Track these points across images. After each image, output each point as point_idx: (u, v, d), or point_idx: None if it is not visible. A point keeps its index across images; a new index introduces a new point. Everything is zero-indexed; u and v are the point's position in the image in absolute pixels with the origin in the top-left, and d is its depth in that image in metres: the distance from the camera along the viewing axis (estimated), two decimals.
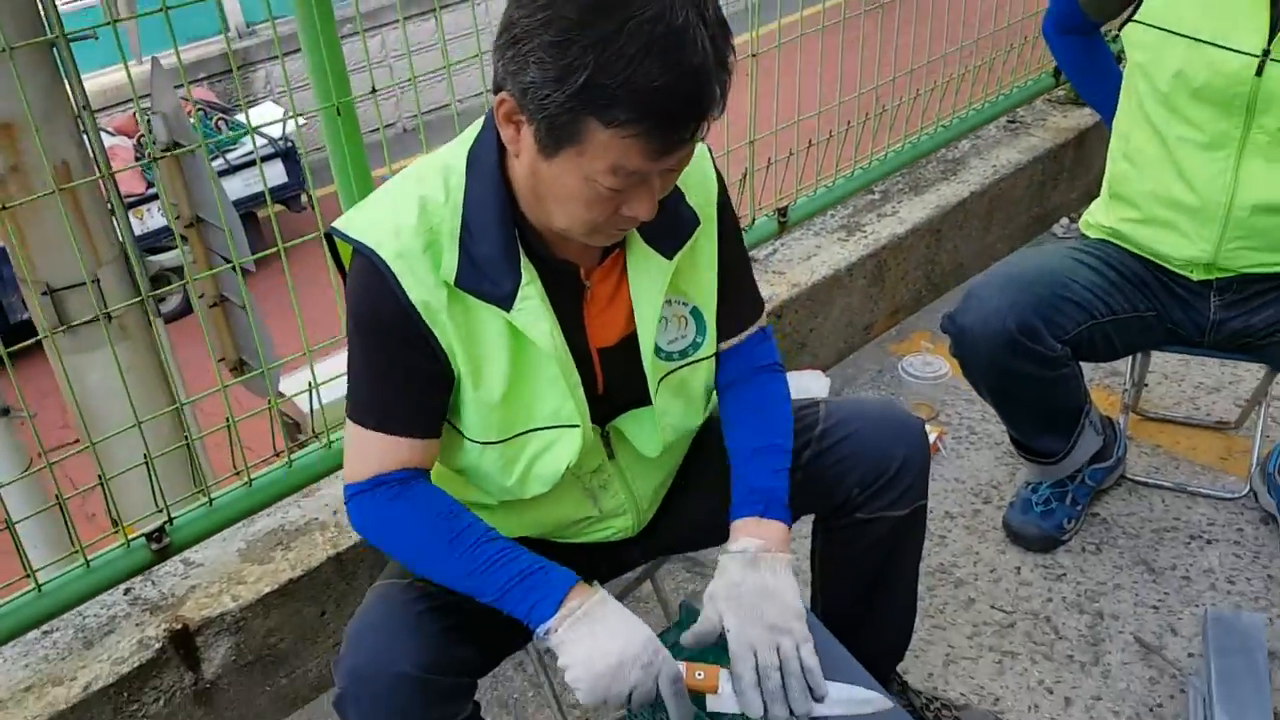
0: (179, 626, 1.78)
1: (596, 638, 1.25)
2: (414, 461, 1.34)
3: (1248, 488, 2.31)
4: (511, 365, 1.31)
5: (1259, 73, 1.80)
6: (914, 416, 1.57)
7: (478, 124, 1.32)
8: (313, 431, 2.08)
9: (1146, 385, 2.58)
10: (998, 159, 3.27)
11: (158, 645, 1.76)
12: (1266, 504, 2.23)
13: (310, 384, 1.96)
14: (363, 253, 1.26)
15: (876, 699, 1.32)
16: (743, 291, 1.52)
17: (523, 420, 1.35)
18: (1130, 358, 2.30)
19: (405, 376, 1.31)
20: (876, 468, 1.51)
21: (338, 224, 1.30)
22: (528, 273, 1.28)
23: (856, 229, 2.96)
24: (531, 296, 1.27)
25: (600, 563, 1.61)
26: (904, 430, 1.54)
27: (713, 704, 1.30)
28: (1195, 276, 1.99)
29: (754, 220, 2.69)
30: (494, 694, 2.00)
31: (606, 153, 1.13)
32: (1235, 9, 1.82)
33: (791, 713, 1.28)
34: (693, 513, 1.60)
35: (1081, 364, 2.06)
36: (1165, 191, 1.94)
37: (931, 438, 2.51)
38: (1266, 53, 1.80)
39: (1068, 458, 2.15)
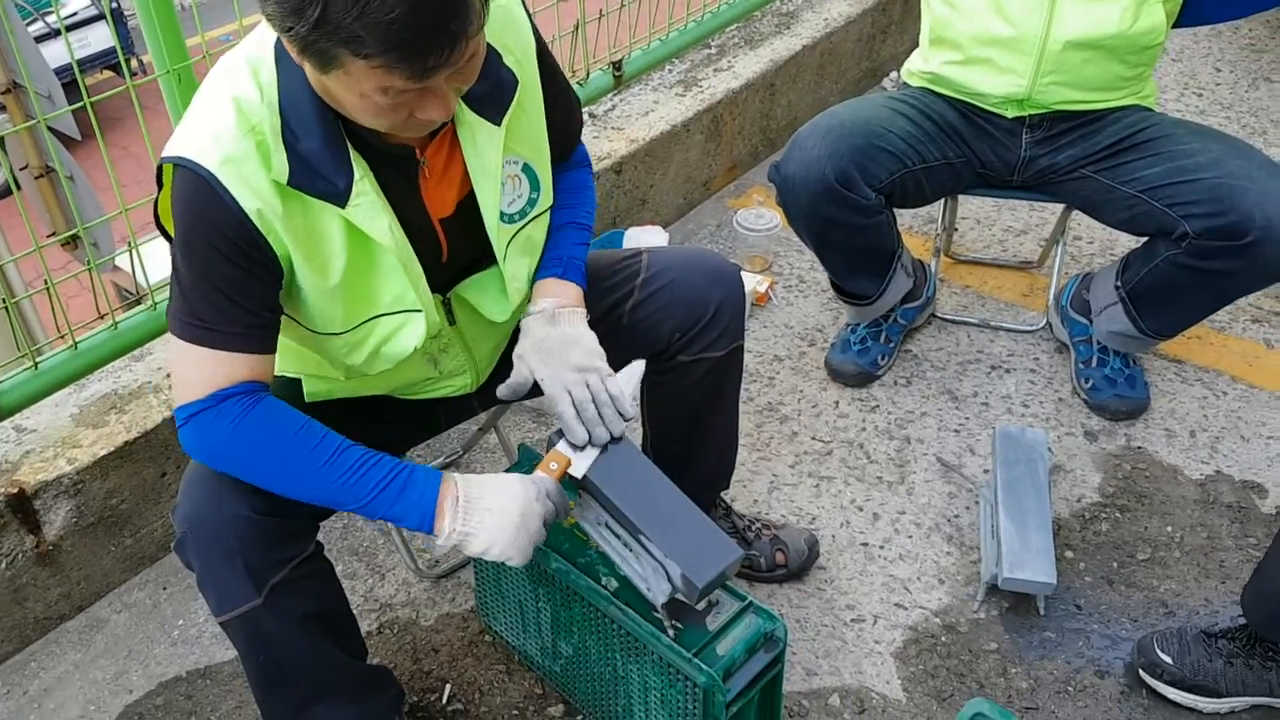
0: (14, 490, 1.77)
1: (491, 512, 1.31)
2: (253, 376, 1.29)
3: (1045, 320, 2.51)
4: (350, 258, 1.30)
5: None
6: (729, 263, 1.66)
7: None
8: (136, 293, 2.04)
9: (958, 230, 2.74)
10: (829, 12, 3.33)
11: None
12: (1060, 334, 2.44)
13: (130, 243, 1.92)
14: (185, 167, 1.19)
15: (639, 365, 1.48)
16: (566, 122, 1.54)
17: (366, 308, 1.35)
18: (941, 204, 2.44)
19: (241, 292, 1.26)
20: (694, 313, 1.60)
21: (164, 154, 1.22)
22: (359, 167, 1.25)
23: (693, 84, 3.00)
24: (367, 192, 1.26)
25: (439, 414, 1.68)
26: (719, 276, 1.62)
27: (576, 472, 1.41)
28: (1009, 114, 2.11)
29: (589, 74, 2.70)
30: (345, 543, 2.06)
31: (369, 78, 1.08)
32: None
33: (609, 433, 1.41)
34: None
35: (896, 211, 2.19)
36: (985, 29, 2.04)
37: (763, 287, 2.62)
38: None
39: (881, 299, 2.29)
